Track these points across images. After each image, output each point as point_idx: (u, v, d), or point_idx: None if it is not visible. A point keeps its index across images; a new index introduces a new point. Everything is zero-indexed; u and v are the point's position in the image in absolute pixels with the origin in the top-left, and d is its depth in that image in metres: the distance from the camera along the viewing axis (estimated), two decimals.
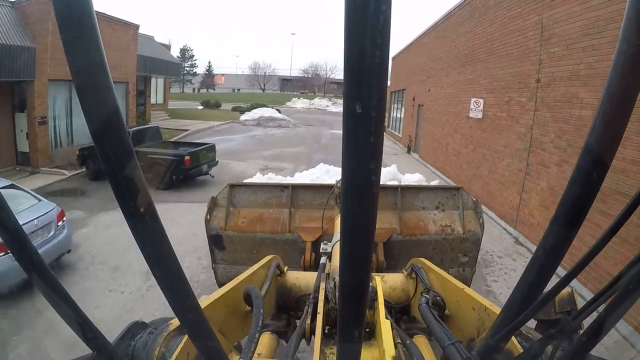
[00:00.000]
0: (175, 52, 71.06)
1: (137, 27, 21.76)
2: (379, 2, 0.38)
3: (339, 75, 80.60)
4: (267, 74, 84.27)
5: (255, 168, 15.38)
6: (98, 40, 0.45)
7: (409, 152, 21.53)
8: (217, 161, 14.44)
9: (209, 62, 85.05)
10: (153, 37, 33.70)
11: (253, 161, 17.54)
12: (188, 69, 74.97)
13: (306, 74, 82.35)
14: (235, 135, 26.08)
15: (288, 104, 55.97)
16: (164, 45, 35.77)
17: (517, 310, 0.82)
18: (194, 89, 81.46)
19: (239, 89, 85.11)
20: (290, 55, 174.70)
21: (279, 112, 37.53)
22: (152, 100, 30.94)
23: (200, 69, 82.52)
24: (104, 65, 0.47)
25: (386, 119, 32.31)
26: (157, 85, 36.40)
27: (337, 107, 54.61)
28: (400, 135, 25.05)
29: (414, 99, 20.94)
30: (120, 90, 20.65)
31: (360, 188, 0.46)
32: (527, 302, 0.80)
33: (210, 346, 0.76)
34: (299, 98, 58.17)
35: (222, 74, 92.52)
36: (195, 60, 76.01)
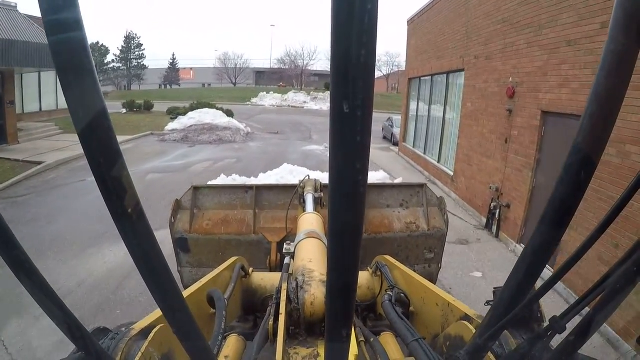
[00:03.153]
0: (118, 42, 55.02)
1: None
2: (365, 1, 0.37)
3: (321, 64, 66.69)
4: (238, 66, 69.85)
5: None
6: (84, 40, 0.44)
7: (489, 228, 8.11)
8: None
9: (173, 55, 70.27)
10: (15, 5, 19.41)
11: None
12: (137, 61, 59.30)
13: (282, 64, 67.76)
14: None
15: (254, 100, 41.72)
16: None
17: (505, 310, 0.78)
18: (160, 85, 67.55)
19: (209, 84, 70.91)
20: (267, 47, 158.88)
21: (230, 114, 23.72)
22: (51, 105, 21.90)
23: (165, 63, 68.33)
24: (90, 66, 0.45)
25: (399, 124, 18.86)
26: (54, 84, 23.09)
27: (317, 103, 40.64)
28: (449, 170, 11.50)
29: (512, 95, 7.42)
30: None
31: (347, 188, 0.45)
32: (515, 301, 0.76)
33: (198, 345, 0.71)
34: (267, 93, 43.77)
35: (191, 68, 78.23)
36: (144, 50, 60.08)
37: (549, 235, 0.65)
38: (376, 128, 26.77)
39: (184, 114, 23.15)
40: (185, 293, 1.84)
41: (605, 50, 0.53)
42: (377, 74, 62.26)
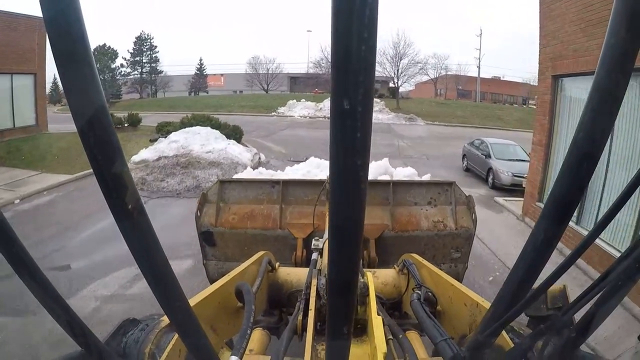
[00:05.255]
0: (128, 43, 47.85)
1: None
2: None
3: None
4: (270, 71, 62.97)
5: None
6: (84, 35, 0.43)
7: None
8: None
9: (200, 60, 64.38)
10: None
11: None
12: (148, 65, 52.62)
13: (318, 67, 59.83)
14: None
15: (281, 110, 33.85)
16: None
17: (507, 306, 0.78)
18: (190, 92, 62.00)
19: (241, 91, 64.76)
20: (303, 53, 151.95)
21: (235, 134, 16.09)
22: (5, 122, 16.74)
23: (191, 69, 62.71)
24: (90, 62, 0.44)
25: (503, 154, 10.59)
26: (9, 91, 17.58)
27: None
28: None
29: None
30: None
31: (348, 184, 0.45)
32: (516, 297, 0.76)
33: (199, 343, 0.72)
34: (298, 100, 35.66)
35: (222, 74, 72.56)
36: (158, 52, 53.24)
37: (550, 231, 0.65)
38: (445, 149, 18.76)
39: (167, 133, 15.75)
40: (214, 286, 1.84)
41: (605, 44, 0.52)
42: (423, 77, 53.67)
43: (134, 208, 0.50)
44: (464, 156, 15.45)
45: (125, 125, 20.74)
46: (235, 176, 8.47)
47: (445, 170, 14.84)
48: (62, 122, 24.83)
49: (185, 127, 16.02)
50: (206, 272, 4.06)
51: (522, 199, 10.16)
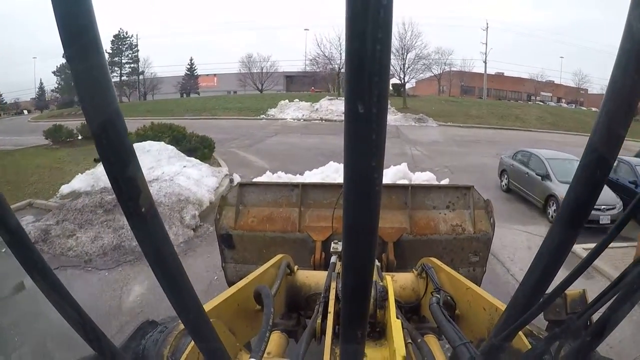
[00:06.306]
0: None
1: None
2: None
3: None
4: (264, 70, 59.29)
5: None
6: (97, 38, 0.44)
7: None
8: None
9: (191, 59, 60.75)
10: None
11: None
12: (130, 65, 48.56)
13: (315, 64, 55.92)
14: None
15: (272, 112, 30.08)
16: None
17: (521, 310, 0.77)
18: (182, 94, 58.61)
19: (235, 92, 61.56)
20: (297, 51, 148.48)
21: (204, 148, 12.48)
22: None
23: (181, 70, 59.23)
24: (103, 64, 0.44)
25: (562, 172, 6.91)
26: None
27: None
28: None
29: None
30: None
31: (362, 186, 0.44)
32: (530, 301, 0.75)
33: (212, 346, 0.72)
34: (291, 101, 31.80)
35: (215, 74, 69.11)
36: (137, 51, 49.22)
37: (564, 235, 0.64)
38: (468, 158, 14.98)
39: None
40: (233, 288, 1.86)
41: (621, 48, 0.51)
42: (427, 74, 50.12)
43: (147, 211, 0.50)
44: (502, 171, 11.78)
45: (79, 138, 17.11)
46: (255, 179, 8.42)
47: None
48: (28, 134, 21.44)
49: (138, 141, 12.40)
50: (225, 274, 4.02)
51: (618, 245, 6.86)
